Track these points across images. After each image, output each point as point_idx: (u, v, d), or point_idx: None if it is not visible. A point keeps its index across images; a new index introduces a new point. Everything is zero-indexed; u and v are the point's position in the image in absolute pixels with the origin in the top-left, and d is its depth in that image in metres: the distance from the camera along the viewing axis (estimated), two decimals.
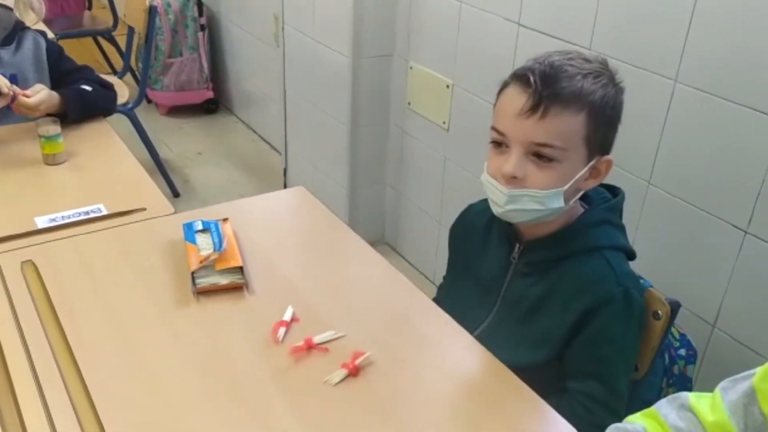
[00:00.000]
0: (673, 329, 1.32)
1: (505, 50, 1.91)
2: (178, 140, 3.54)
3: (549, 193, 1.05)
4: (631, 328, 1.07)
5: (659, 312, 1.11)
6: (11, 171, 1.51)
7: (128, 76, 3.37)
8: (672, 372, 1.24)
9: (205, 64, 3.67)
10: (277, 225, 1.40)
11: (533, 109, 1.02)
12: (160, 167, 2.99)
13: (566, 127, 1.03)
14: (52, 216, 1.33)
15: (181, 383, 0.97)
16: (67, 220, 1.32)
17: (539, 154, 1.04)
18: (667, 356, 1.25)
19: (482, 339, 1.08)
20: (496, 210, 1.10)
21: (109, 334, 1.05)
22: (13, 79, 1.63)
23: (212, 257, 1.18)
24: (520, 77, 1.05)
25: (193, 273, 1.15)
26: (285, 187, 3.00)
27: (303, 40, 2.63)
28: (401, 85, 2.40)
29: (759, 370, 0.77)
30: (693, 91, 1.45)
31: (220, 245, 1.21)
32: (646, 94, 1.54)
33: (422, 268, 2.54)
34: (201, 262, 1.17)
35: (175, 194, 3.00)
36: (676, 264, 1.58)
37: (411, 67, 2.32)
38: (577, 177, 1.06)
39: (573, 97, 1.02)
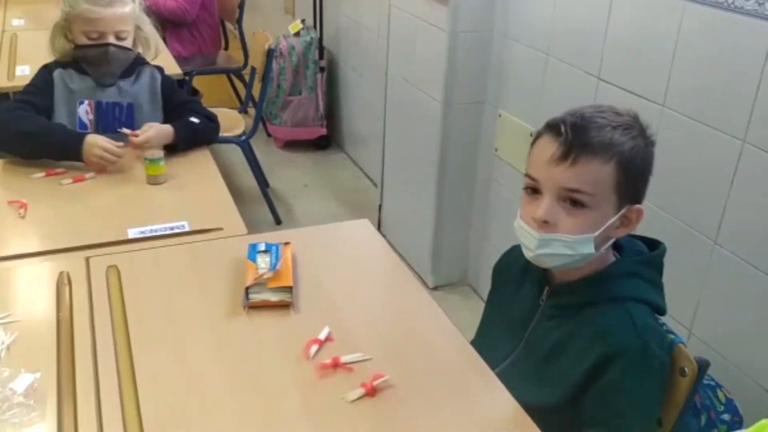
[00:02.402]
0: (719, 393, 1.28)
1: (585, 102, 1.93)
2: (289, 172, 3.78)
3: (579, 239, 1.08)
4: (648, 381, 1.06)
5: (685, 369, 1.10)
6: (117, 187, 1.73)
7: (253, 111, 3.66)
8: None
9: (321, 103, 3.92)
10: (335, 253, 1.51)
11: (564, 156, 1.07)
12: (265, 196, 3.22)
13: (595, 174, 1.07)
14: (143, 229, 1.52)
15: (215, 383, 1.09)
16: (154, 233, 1.51)
17: (570, 200, 1.08)
18: (704, 417, 1.21)
19: (502, 376, 1.12)
20: (528, 254, 1.14)
21: (166, 335, 1.19)
22: (129, 108, 1.88)
23: (266, 275, 1.30)
24: (552, 127, 1.11)
25: (247, 288, 1.28)
26: (379, 222, 3.12)
27: (403, 85, 2.77)
28: (490, 131, 2.47)
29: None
30: (761, 152, 1.42)
31: (275, 265, 1.33)
32: (712, 152, 1.52)
33: None
34: (255, 279, 1.29)
35: (277, 221, 3.21)
36: (739, 328, 1.52)
37: (500, 115, 2.39)
38: (607, 224, 1.09)
39: (602, 146, 1.07)
